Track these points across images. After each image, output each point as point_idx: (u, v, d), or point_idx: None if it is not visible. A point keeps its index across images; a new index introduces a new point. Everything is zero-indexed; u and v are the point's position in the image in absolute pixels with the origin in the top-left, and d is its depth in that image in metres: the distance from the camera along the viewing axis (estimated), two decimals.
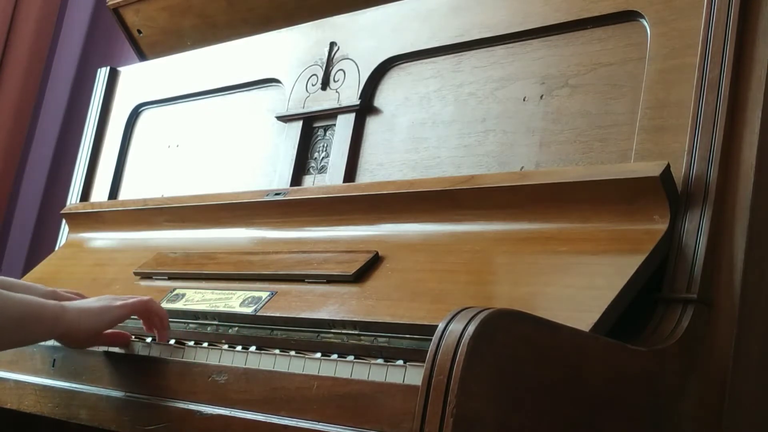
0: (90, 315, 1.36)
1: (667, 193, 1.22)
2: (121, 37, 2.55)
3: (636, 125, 1.32)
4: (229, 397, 1.23)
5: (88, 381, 1.43)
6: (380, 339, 1.27)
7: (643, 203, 1.23)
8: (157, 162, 2.13)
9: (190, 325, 1.53)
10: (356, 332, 1.30)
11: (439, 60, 1.62)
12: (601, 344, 1.10)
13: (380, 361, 1.15)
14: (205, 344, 1.38)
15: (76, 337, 1.36)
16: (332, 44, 1.80)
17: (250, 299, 1.48)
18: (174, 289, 1.62)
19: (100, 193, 2.22)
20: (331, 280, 1.43)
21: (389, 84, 1.69)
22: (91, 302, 1.39)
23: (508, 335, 1.00)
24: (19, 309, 1.29)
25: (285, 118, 1.83)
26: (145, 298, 1.43)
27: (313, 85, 1.80)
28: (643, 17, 1.36)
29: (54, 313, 1.32)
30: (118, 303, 1.40)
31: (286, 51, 1.89)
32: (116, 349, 1.45)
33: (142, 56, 2.35)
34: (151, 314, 1.43)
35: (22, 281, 1.56)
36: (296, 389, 1.16)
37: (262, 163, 1.87)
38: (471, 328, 0.97)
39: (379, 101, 1.70)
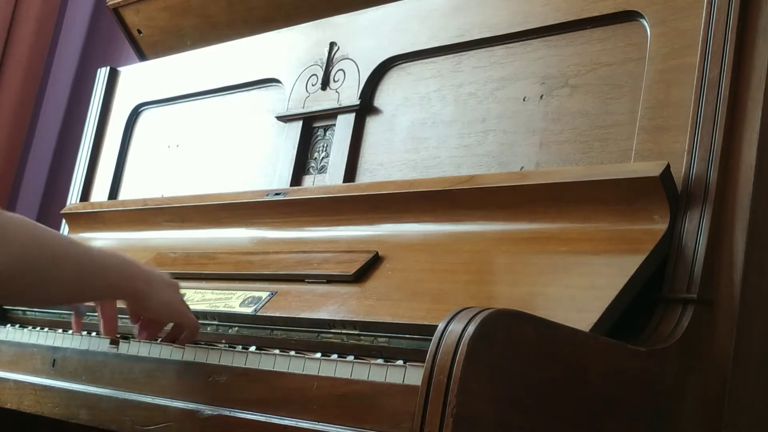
0: (164, 288, 1.36)
1: (667, 193, 1.21)
2: (121, 37, 2.54)
3: (636, 125, 1.32)
4: (229, 397, 1.23)
5: (88, 381, 1.43)
6: (380, 339, 1.27)
7: (643, 203, 1.23)
8: (157, 162, 2.12)
9: None
10: (356, 332, 1.30)
11: (439, 60, 1.62)
12: (601, 344, 1.10)
13: (380, 361, 1.15)
14: (205, 344, 1.38)
15: (147, 305, 1.35)
16: (332, 44, 1.80)
17: (250, 299, 1.48)
18: None
19: (100, 193, 2.22)
20: (331, 280, 1.43)
21: (389, 84, 1.69)
22: (165, 279, 1.38)
23: (508, 335, 1.00)
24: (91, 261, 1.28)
25: (285, 118, 1.83)
26: (197, 324, 1.40)
27: (313, 85, 1.80)
28: (643, 17, 1.36)
29: (131, 273, 1.33)
30: (185, 307, 1.38)
31: (286, 51, 1.89)
32: (116, 350, 1.44)
33: (142, 56, 2.35)
34: (189, 334, 1.40)
35: None
36: (296, 389, 1.16)
37: (262, 163, 1.87)
38: (471, 329, 0.97)
39: (379, 101, 1.70)
